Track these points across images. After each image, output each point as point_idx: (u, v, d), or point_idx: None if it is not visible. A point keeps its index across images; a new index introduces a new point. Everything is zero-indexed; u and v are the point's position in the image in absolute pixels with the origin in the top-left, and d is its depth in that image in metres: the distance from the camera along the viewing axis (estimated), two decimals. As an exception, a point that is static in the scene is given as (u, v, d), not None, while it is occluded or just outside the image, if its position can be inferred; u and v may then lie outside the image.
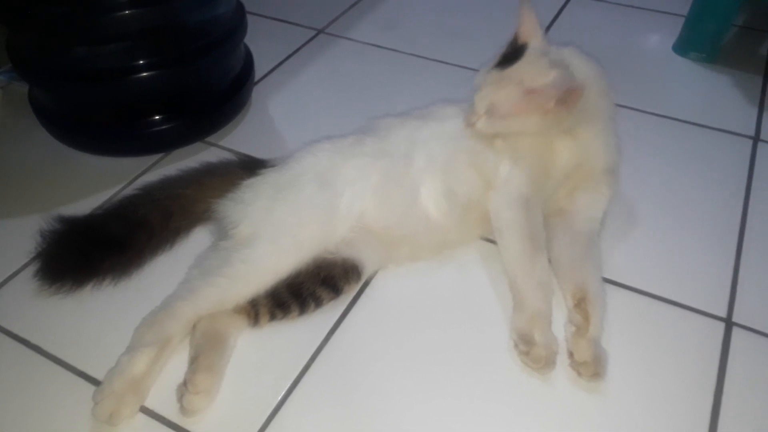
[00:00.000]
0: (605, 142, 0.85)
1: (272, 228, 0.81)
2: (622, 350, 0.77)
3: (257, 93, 1.22)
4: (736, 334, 0.80)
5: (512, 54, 0.82)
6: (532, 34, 0.82)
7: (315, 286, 0.82)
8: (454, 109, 0.89)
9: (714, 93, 1.23)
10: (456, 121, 0.86)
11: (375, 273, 0.87)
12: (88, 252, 0.84)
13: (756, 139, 1.11)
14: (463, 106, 0.86)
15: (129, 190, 0.94)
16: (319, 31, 1.41)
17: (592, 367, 0.73)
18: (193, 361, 0.74)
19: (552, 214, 0.85)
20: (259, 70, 1.24)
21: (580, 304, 0.77)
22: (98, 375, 0.74)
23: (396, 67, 1.31)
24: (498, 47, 0.85)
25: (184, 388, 0.72)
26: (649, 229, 0.94)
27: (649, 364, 0.77)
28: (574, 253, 0.82)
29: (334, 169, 0.86)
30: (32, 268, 0.85)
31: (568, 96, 0.76)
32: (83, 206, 0.93)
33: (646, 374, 0.76)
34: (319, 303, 0.82)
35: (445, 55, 1.32)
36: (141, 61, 0.99)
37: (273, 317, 0.80)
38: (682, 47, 1.33)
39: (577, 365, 0.74)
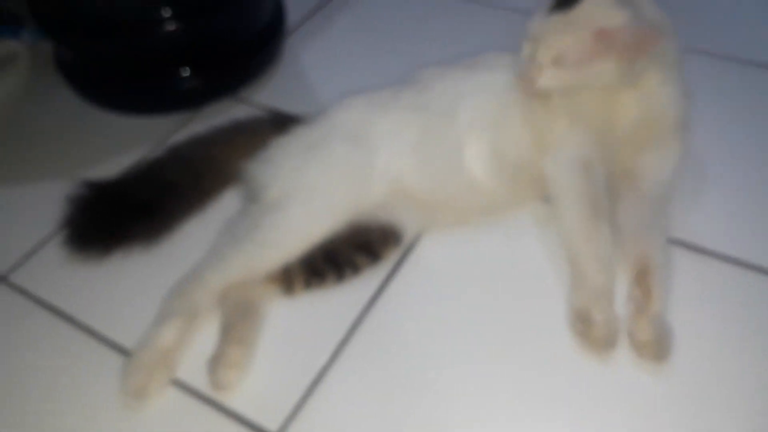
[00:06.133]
0: (673, 91, 0.77)
1: (303, 190, 0.77)
2: (691, 323, 0.71)
3: (290, 44, 1.17)
4: (825, 303, 0.72)
5: None
6: None
7: (351, 251, 0.78)
8: (505, 59, 0.81)
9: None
10: (508, 72, 0.78)
11: (418, 238, 0.83)
12: (117, 218, 0.82)
13: None
14: (516, 56, 0.78)
15: (157, 152, 0.91)
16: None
17: (654, 347, 0.68)
18: (225, 333, 0.71)
19: (615, 176, 0.77)
20: (291, 19, 1.19)
21: (642, 277, 0.71)
22: (128, 343, 0.73)
23: (440, 12, 1.23)
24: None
25: (215, 361, 0.69)
26: (724, 187, 0.86)
27: (722, 338, 0.70)
28: (639, 219, 0.75)
29: (368, 124, 0.81)
30: (62, 235, 0.84)
31: (645, 39, 0.69)
32: (111, 168, 0.91)
33: (717, 350, 0.69)
34: (356, 270, 0.78)
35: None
36: (165, 12, 0.96)
37: (308, 285, 0.77)
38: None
39: (638, 346, 0.69)
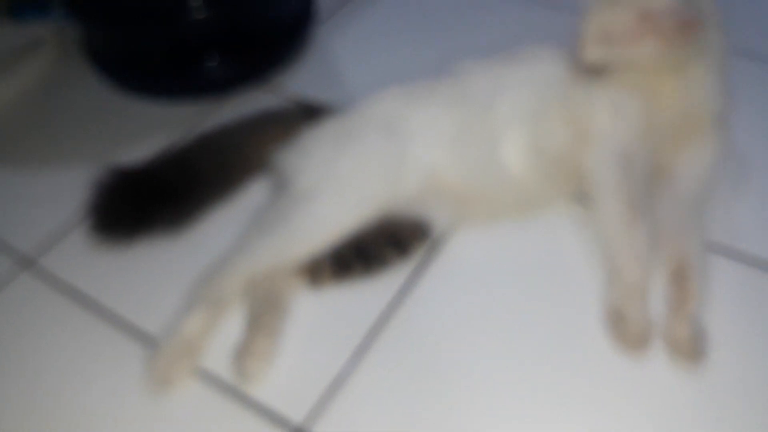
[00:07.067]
0: (715, 85, 0.75)
1: (334, 181, 0.76)
2: (726, 328, 0.69)
3: (322, 32, 1.15)
4: None
5: None
6: None
7: (379, 244, 0.77)
8: (546, 52, 0.80)
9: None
10: (548, 66, 0.78)
11: (450, 234, 0.81)
12: (143, 204, 0.81)
13: None
14: (557, 50, 0.77)
15: (185, 139, 0.90)
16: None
17: (689, 345, 0.67)
18: (251, 323, 0.71)
19: (654, 173, 0.75)
20: (324, 8, 1.17)
21: (678, 275, 0.70)
22: (152, 330, 0.73)
23: (477, 5, 1.20)
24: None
25: (242, 351, 0.69)
26: (764, 189, 0.83)
27: (757, 343, 0.69)
28: (677, 217, 0.73)
29: (404, 116, 0.79)
30: (87, 222, 0.83)
31: (687, 25, 0.67)
32: (139, 154, 0.90)
33: (753, 355, 0.68)
34: (384, 263, 0.77)
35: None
36: None
37: (335, 277, 0.76)
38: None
39: (673, 344, 0.67)
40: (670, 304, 0.69)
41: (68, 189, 0.89)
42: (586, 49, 0.72)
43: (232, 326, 0.72)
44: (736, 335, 0.69)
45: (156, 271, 0.80)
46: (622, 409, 0.65)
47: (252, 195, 0.86)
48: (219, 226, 0.82)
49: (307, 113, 0.87)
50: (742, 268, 0.76)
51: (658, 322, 0.69)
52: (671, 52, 0.70)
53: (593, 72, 0.74)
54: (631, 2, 0.70)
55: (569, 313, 0.73)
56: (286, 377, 0.69)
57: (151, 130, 0.99)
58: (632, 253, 0.70)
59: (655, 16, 0.68)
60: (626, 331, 0.68)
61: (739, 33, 1.01)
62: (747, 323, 0.70)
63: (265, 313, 0.71)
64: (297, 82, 1.06)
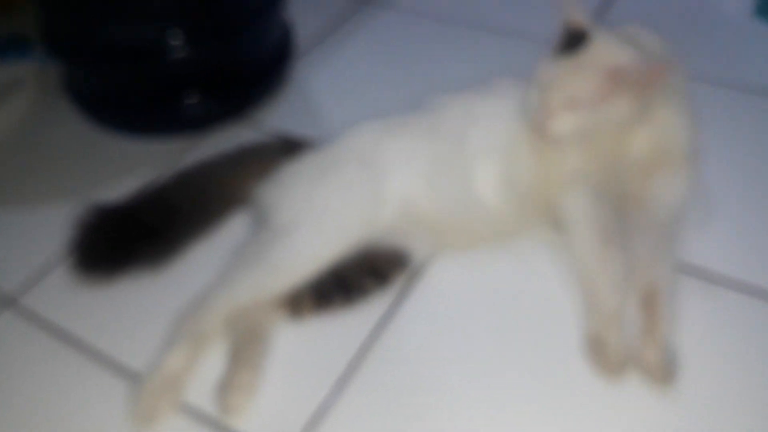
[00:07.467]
0: (682, 121, 0.76)
1: (313, 214, 0.77)
2: (699, 349, 0.71)
3: (300, 69, 1.17)
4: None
5: (573, 41, 0.71)
6: (581, 19, 0.72)
7: (359, 274, 0.78)
8: (516, 85, 0.80)
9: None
10: (518, 99, 0.77)
11: (429, 261, 0.82)
12: (124, 242, 0.82)
13: None
14: (526, 82, 0.77)
15: (165, 175, 0.91)
16: (367, 1, 1.34)
17: (660, 370, 0.68)
18: (233, 357, 0.71)
19: (625, 202, 0.77)
20: (302, 44, 1.19)
21: (648, 301, 0.71)
22: (135, 367, 0.73)
23: (452, 39, 1.23)
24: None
25: (224, 385, 0.69)
26: (731, 214, 0.86)
27: (730, 364, 0.70)
28: (647, 244, 0.75)
29: (379, 150, 0.81)
30: (69, 260, 0.83)
31: (656, 72, 0.67)
32: (119, 191, 0.90)
33: (725, 376, 0.69)
34: (364, 293, 0.78)
35: (506, 24, 1.23)
36: (176, 37, 0.97)
37: (316, 308, 0.77)
38: (763, 10, 1.20)
39: (645, 368, 0.69)
40: (640, 329, 0.70)
41: (49, 227, 0.89)
42: (553, 119, 0.70)
43: (214, 360, 0.72)
44: (708, 354, 0.71)
45: (138, 307, 0.80)
46: (600, 429, 0.66)
47: (232, 229, 0.86)
48: (200, 261, 0.83)
49: (287, 148, 0.88)
50: (712, 287, 0.78)
51: (631, 346, 0.70)
52: (642, 104, 0.70)
53: (558, 141, 0.72)
54: (594, 64, 0.69)
55: (547, 337, 0.74)
56: (270, 409, 0.69)
57: (132, 167, 0.99)
58: (608, 283, 0.71)
59: (624, 71, 0.68)
60: (606, 357, 0.69)
61: (701, 60, 1.06)
62: (718, 342, 0.72)
63: (246, 346, 0.72)
64: (276, 117, 1.07)
